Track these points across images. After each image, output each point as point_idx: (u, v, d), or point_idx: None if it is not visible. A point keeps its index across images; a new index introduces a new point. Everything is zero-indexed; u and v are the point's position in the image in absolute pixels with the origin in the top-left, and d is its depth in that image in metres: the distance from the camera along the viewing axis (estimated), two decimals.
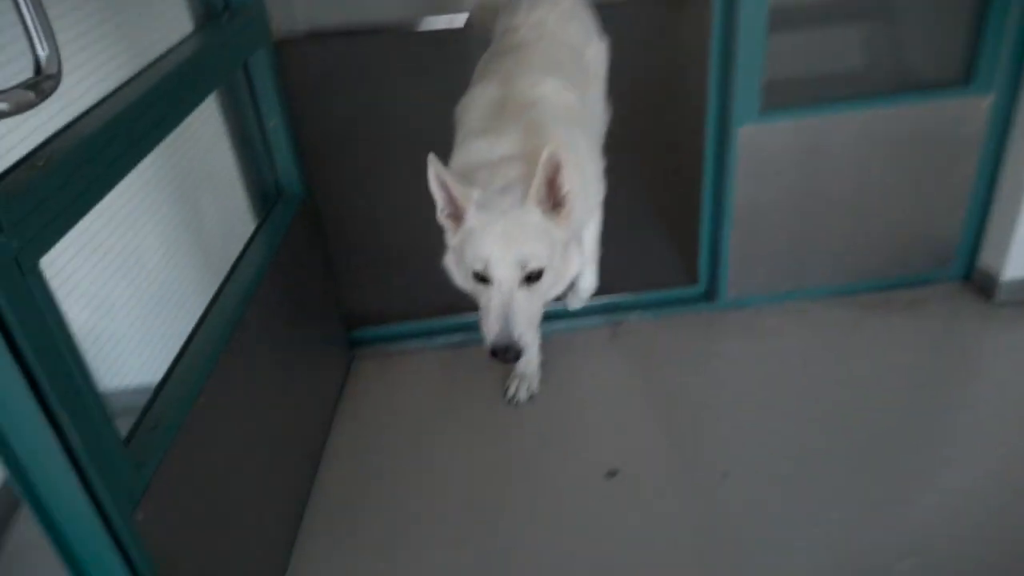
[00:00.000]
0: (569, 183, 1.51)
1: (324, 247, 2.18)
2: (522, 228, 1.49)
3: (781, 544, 1.66)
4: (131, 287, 2.06)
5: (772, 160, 2.17)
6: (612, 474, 1.86)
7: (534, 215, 1.51)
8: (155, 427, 1.21)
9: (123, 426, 2.02)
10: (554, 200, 1.53)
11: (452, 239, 1.60)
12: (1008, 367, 2.12)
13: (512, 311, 1.46)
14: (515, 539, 1.75)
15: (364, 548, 1.77)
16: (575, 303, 2.29)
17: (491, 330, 1.48)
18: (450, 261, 1.67)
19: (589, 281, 2.24)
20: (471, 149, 1.71)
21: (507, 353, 1.46)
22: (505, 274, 1.47)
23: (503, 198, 1.53)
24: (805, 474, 1.82)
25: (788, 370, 2.16)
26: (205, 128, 1.78)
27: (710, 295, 2.45)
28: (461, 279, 1.66)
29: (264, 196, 1.96)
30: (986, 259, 2.36)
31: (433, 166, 1.50)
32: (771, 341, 2.28)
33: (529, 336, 1.50)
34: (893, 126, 2.16)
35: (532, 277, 1.50)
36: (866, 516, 1.70)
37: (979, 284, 2.39)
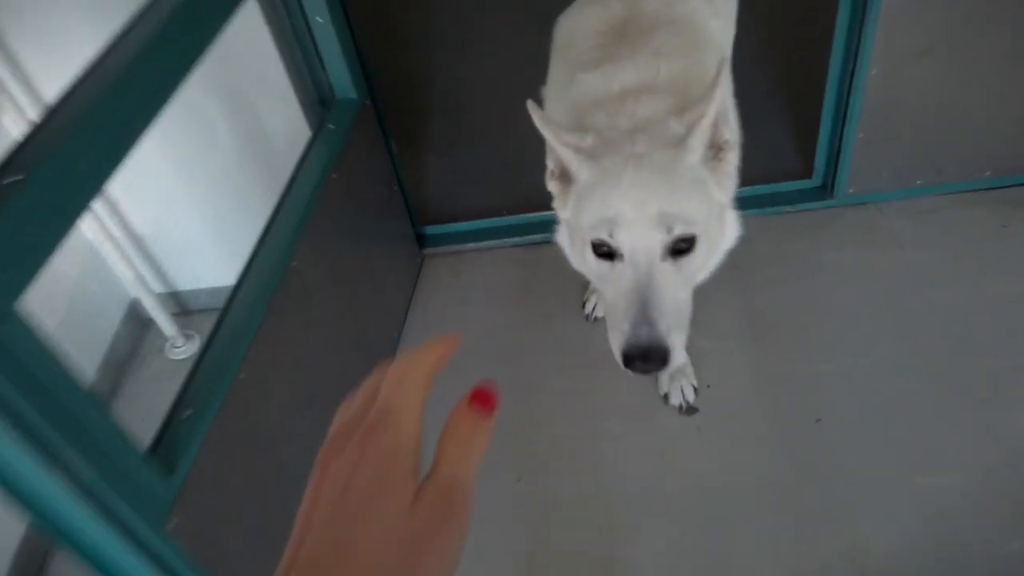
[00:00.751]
0: (730, 126, 1.16)
1: (387, 150, 1.99)
2: (668, 176, 1.06)
3: (873, 508, 1.51)
4: (197, 191, 2.01)
5: (922, 33, 1.74)
6: (691, 411, 1.72)
7: (691, 157, 1.07)
8: (190, 412, 1.16)
9: (204, 324, 2.13)
10: (715, 146, 1.12)
11: (563, 210, 1.21)
12: None
13: (654, 295, 1.03)
14: (586, 467, 1.68)
15: None
16: (679, 393, 1.74)
17: (622, 326, 1.04)
18: (563, 237, 1.30)
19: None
20: (580, 85, 1.28)
21: (648, 359, 1.03)
22: (642, 240, 1.04)
23: (634, 140, 1.10)
24: (915, 427, 1.61)
25: (912, 287, 1.87)
26: (247, 34, 1.57)
27: (826, 189, 2.11)
28: (577, 261, 1.25)
29: (320, 102, 1.77)
30: None
31: (536, 114, 1.12)
32: (892, 250, 1.97)
33: (678, 334, 1.06)
34: None
35: (681, 248, 1.06)
36: (982, 482, 1.51)
37: None
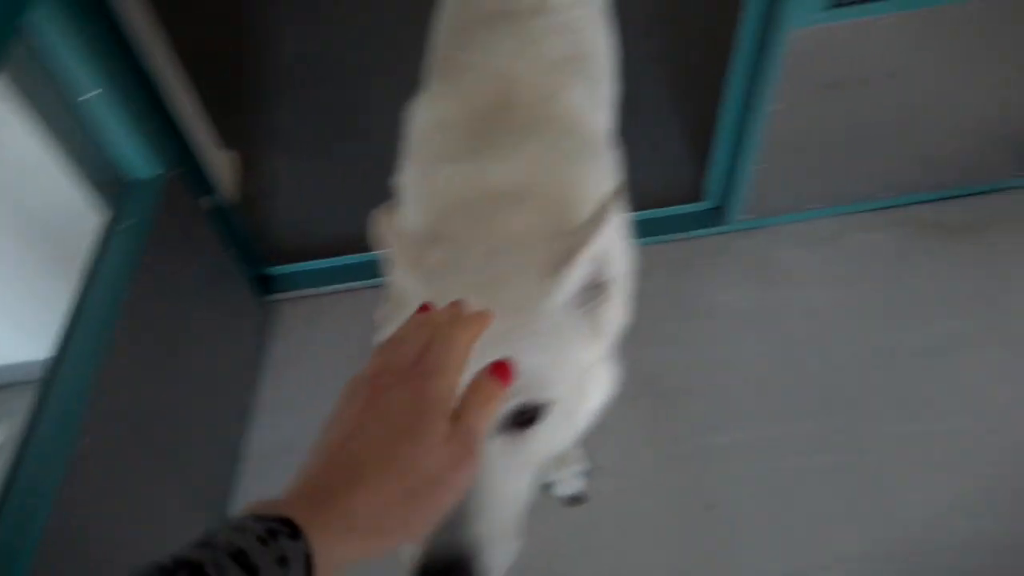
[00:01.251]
0: (619, 263, 0.89)
1: (211, 212, 1.64)
2: (520, 320, 0.78)
3: None
4: None
5: (831, 69, 1.53)
6: (578, 502, 1.57)
7: (557, 297, 0.81)
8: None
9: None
10: (595, 286, 0.85)
11: (382, 310, 0.95)
12: None
13: (475, 486, 0.71)
14: None
15: None
16: (566, 483, 1.56)
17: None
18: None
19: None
20: (441, 178, 1.01)
21: None
22: None
23: (490, 262, 0.85)
24: (810, 512, 1.52)
25: (808, 335, 1.74)
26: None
27: (719, 214, 1.93)
28: None
29: (114, 182, 1.40)
30: None
31: (385, 227, 0.86)
32: (787, 289, 1.82)
33: (502, 546, 0.73)
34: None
35: (526, 418, 0.77)
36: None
37: None
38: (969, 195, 1.92)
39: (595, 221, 0.81)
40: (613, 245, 0.86)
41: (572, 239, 0.82)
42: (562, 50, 1.16)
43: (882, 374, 1.67)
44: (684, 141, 2.10)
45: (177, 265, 1.47)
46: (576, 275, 0.81)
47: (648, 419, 1.67)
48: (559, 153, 1.01)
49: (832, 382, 1.67)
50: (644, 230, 1.91)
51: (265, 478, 1.68)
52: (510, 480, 0.76)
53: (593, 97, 1.17)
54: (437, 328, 0.56)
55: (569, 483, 1.57)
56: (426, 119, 1.14)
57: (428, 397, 0.50)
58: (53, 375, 1.18)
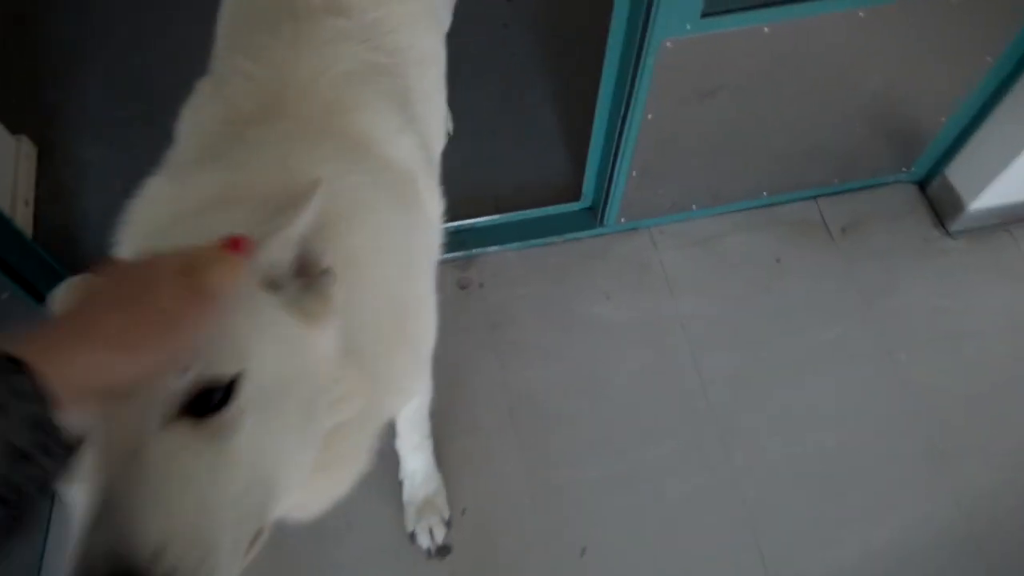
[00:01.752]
0: (339, 256, 0.72)
1: None
2: None
3: None
4: None
5: (706, 79, 1.38)
6: (443, 552, 1.43)
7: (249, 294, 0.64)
8: None
9: None
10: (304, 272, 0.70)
11: None
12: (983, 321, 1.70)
13: (146, 484, 0.52)
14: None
15: None
16: (427, 533, 1.44)
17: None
18: None
19: (421, 468, 1.43)
20: (156, 192, 0.84)
21: None
22: (115, 405, 0.54)
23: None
24: (686, 558, 1.45)
25: (683, 352, 1.65)
26: None
27: (596, 214, 1.78)
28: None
29: None
30: (956, 176, 1.77)
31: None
32: (664, 299, 1.71)
33: (200, 555, 0.52)
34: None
35: (205, 401, 0.57)
36: None
37: (936, 203, 1.84)
38: (848, 191, 1.86)
39: (297, 205, 0.67)
40: (336, 231, 0.75)
41: (272, 224, 0.67)
42: (359, 59, 0.95)
43: (760, 386, 1.61)
44: (563, 140, 1.92)
45: None
46: (277, 255, 0.66)
47: (518, 447, 1.54)
48: (334, 171, 0.81)
49: (710, 398, 1.60)
50: (522, 231, 1.77)
51: None
52: (200, 481, 0.55)
53: (396, 120, 0.96)
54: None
55: (431, 533, 1.43)
56: (186, 122, 0.95)
57: (153, 270, 0.54)
58: None
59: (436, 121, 1.14)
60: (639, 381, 1.62)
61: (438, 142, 1.17)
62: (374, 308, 0.79)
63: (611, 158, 1.59)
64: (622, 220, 1.75)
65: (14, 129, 1.80)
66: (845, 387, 1.62)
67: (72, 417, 0.51)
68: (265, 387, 0.60)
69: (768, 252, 1.79)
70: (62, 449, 0.43)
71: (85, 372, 0.47)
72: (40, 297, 1.50)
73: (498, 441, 1.55)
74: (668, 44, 1.25)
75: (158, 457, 0.53)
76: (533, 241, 1.77)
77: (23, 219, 1.71)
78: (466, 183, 1.81)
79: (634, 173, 1.59)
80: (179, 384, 0.55)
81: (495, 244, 1.76)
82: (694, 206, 1.78)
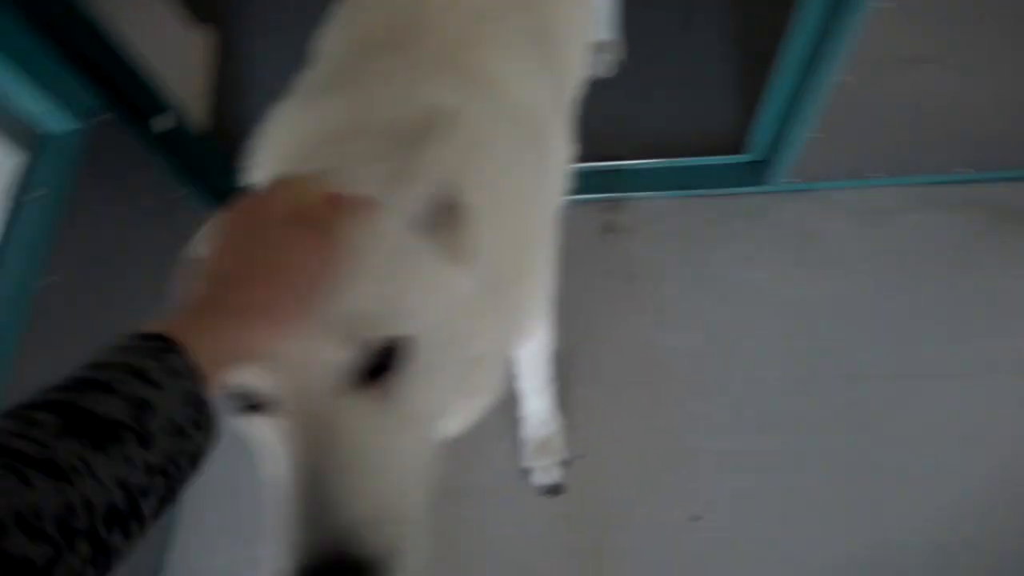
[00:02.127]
0: (481, 196, 0.70)
1: (161, 143, 1.40)
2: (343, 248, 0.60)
3: None
4: None
5: (914, 41, 1.20)
6: (555, 492, 1.46)
7: (390, 218, 0.62)
8: None
9: None
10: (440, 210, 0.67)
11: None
12: None
13: (335, 461, 0.54)
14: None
15: None
16: (543, 471, 1.45)
17: (286, 534, 0.53)
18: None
19: (541, 409, 1.41)
20: (295, 116, 0.84)
21: None
22: (299, 365, 0.56)
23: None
24: (796, 542, 1.40)
25: (843, 336, 1.54)
26: None
27: (762, 170, 1.65)
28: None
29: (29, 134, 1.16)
30: None
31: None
32: (826, 275, 1.59)
33: (399, 529, 0.55)
34: None
35: (380, 366, 0.58)
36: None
37: None
38: None
39: (428, 136, 0.68)
40: (467, 167, 0.72)
41: (404, 158, 0.67)
42: None
43: (914, 391, 1.48)
44: (733, 87, 1.76)
45: (115, 200, 1.27)
46: (405, 193, 0.64)
47: (643, 408, 1.52)
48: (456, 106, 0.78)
49: (850, 395, 1.49)
50: (678, 179, 1.68)
51: None
52: (385, 445, 0.57)
53: (528, 59, 0.91)
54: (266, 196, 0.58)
55: (547, 472, 1.46)
56: (320, 45, 0.95)
57: (277, 222, 0.55)
58: None
59: (574, 62, 1.08)
60: (780, 361, 1.53)
61: (574, 83, 1.10)
62: (500, 244, 0.76)
63: (791, 115, 1.45)
64: (790, 180, 1.62)
65: (199, 19, 1.87)
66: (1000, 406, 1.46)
67: (230, 388, 0.55)
68: (431, 339, 0.61)
69: (953, 236, 1.60)
70: (211, 423, 0.45)
71: (231, 346, 0.49)
72: (217, 194, 1.59)
73: (626, 396, 1.53)
74: (876, 4, 1.08)
75: (345, 431, 0.55)
76: (689, 191, 1.68)
77: (201, 110, 1.79)
78: (623, 120, 1.73)
79: (817, 135, 1.45)
80: (352, 357, 0.56)
81: (647, 190, 1.68)
82: (874, 173, 1.61)
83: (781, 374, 1.51)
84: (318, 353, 0.55)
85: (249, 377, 0.55)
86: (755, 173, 1.66)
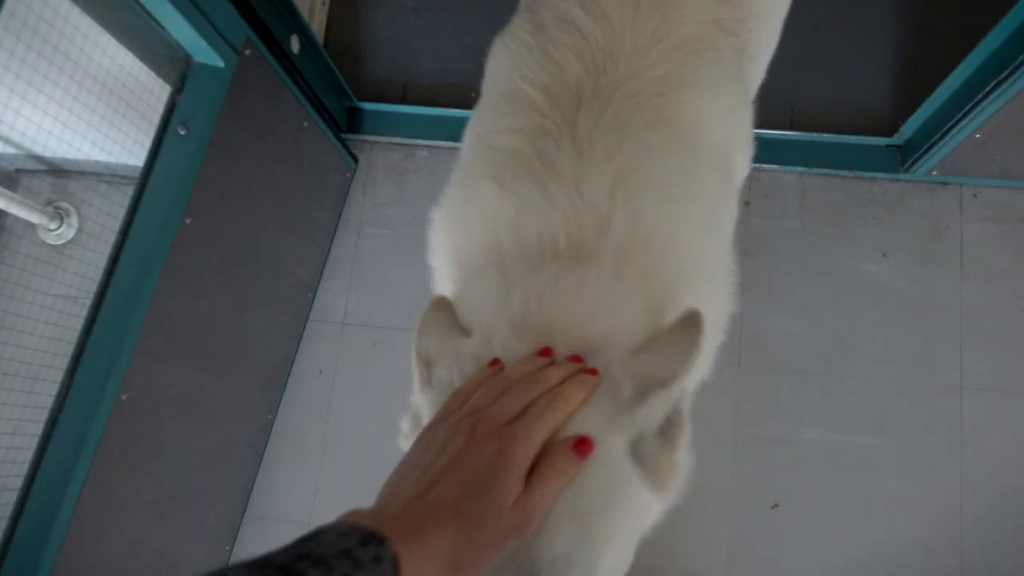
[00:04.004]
0: (693, 379, 0.63)
1: (296, 62, 1.35)
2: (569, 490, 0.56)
3: None
4: None
5: None
6: None
7: (620, 446, 0.58)
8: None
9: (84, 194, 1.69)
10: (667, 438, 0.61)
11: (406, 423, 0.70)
12: None
13: None
14: None
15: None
16: None
17: None
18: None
19: None
20: (474, 206, 0.74)
21: None
22: None
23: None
24: (874, 535, 1.41)
25: (953, 345, 1.49)
26: None
27: (904, 158, 1.55)
28: None
29: (179, 64, 1.12)
30: None
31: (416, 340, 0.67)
32: (948, 278, 1.51)
33: None
34: None
35: None
36: None
37: None
38: None
39: (691, 341, 0.58)
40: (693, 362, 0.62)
41: (652, 365, 0.59)
42: (703, 18, 0.77)
43: (1007, 410, 1.44)
44: (891, 65, 1.61)
45: (252, 131, 1.25)
46: (648, 418, 0.58)
47: (737, 387, 1.52)
48: (655, 179, 0.70)
49: (963, 406, 1.46)
50: (811, 155, 1.60)
51: (326, 341, 1.63)
52: None
53: (731, 95, 0.80)
54: (546, 386, 0.58)
55: None
56: (498, 66, 0.81)
57: (511, 459, 0.53)
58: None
59: (760, 73, 0.97)
60: (891, 361, 1.49)
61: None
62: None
63: (960, 110, 1.33)
64: (934, 172, 1.51)
65: None
66: None
67: None
68: (609, 569, 0.59)
69: None
70: None
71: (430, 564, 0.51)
72: (334, 126, 1.56)
73: (719, 379, 1.52)
74: None
75: None
76: (821, 169, 1.58)
77: (318, 24, 1.73)
78: (763, 85, 1.61)
79: (979, 135, 1.34)
80: None
81: (776, 162, 1.60)
82: None
83: (882, 373, 1.48)
84: None
85: None
86: (897, 160, 1.56)
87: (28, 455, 1.10)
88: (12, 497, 1.08)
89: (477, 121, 0.83)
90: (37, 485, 1.05)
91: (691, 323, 0.60)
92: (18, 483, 1.09)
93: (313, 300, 1.65)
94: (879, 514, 1.43)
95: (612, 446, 0.57)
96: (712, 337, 0.70)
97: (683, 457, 0.62)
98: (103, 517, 1.12)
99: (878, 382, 1.48)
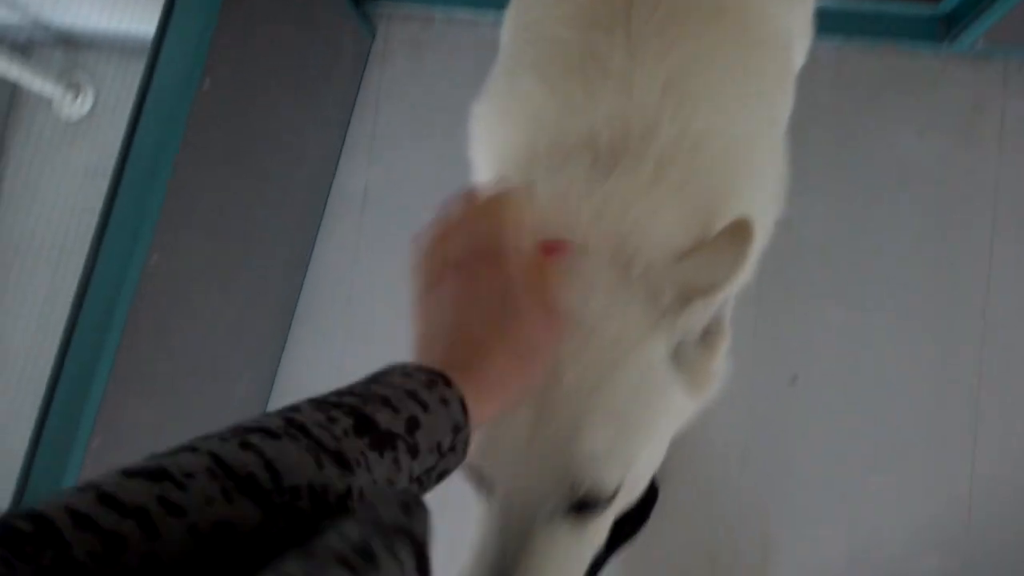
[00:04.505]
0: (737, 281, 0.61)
1: None
2: (602, 380, 0.58)
3: (808, 499, 1.45)
4: None
5: None
6: None
7: (662, 347, 0.60)
8: None
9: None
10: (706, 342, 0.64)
11: None
12: None
13: (518, 562, 0.57)
14: None
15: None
16: None
17: None
18: None
19: None
20: (516, 103, 0.71)
21: None
22: (524, 481, 0.58)
23: (579, 264, 0.60)
24: (890, 422, 1.44)
25: (984, 217, 1.46)
26: None
27: (949, 28, 1.46)
28: None
29: None
30: None
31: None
32: (991, 155, 1.47)
33: None
34: None
35: (588, 503, 0.59)
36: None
37: None
38: None
39: (737, 251, 0.58)
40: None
41: (693, 270, 0.60)
42: None
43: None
44: None
45: (262, 29, 1.21)
46: (692, 322, 0.60)
47: (763, 268, 1.50)
48: (721, 84, 0.67)
49: (989, 296, 1.44)
50: (847, 24, 1.53)
51: (346, 221, 1.63)
52: (565, 567, 0.61)
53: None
54: (482, 214, 0.57)
55: None
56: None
57: (512, 278, 0.54)
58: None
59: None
60: (917, 241, 1.47)
61: None
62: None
63: None
64: (978, 43, 1.44)
65: None
66: None
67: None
68: (638, 475, 0.62)
69: None
70: (462, 450, 0.49)
71: (484, 415, 0.52)
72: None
73: None
74: None
75: (541, 551, 0.58)
76: (858, 38, 1.51)
77: None
78: None
79: None
80: (573, 495, 0.58)
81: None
82: None
83: (909, 253, 1.47)
84: (540, 480, 0.57)
85: (475, 454, 0.56)
86: (941, 31, 1.48)
87: (59, 328, 1.11)
88: (46, 371, 1.11)
89: (520, 8, 0.78)
90: (71, 353, 1.07)
91: (739, 232, 0.59)
92: (52, 353, 1.12)
93: (333, 178, 1.63)
94: (895, 393, 1.45)
95: (654, 349, 0.59)
96: (758, 245, 0.68)
97: (722, 363, 0.65)
98: (135, 388, 1.15)
99: (904, 262, 1.46)
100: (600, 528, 0.63)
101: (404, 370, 0.49)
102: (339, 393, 0.46)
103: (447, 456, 0.48)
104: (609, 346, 0.58)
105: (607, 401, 0.57)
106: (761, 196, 0.73)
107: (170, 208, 1.10)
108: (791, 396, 1.47)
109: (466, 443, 0.49)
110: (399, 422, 0.45)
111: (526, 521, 0.58)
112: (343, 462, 0.41)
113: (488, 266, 0.54)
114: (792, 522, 1.43)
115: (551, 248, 0.58)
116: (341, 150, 1.64)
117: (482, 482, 0.60)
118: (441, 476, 0.49)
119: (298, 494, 0.38)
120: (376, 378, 0.48)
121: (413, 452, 0.45)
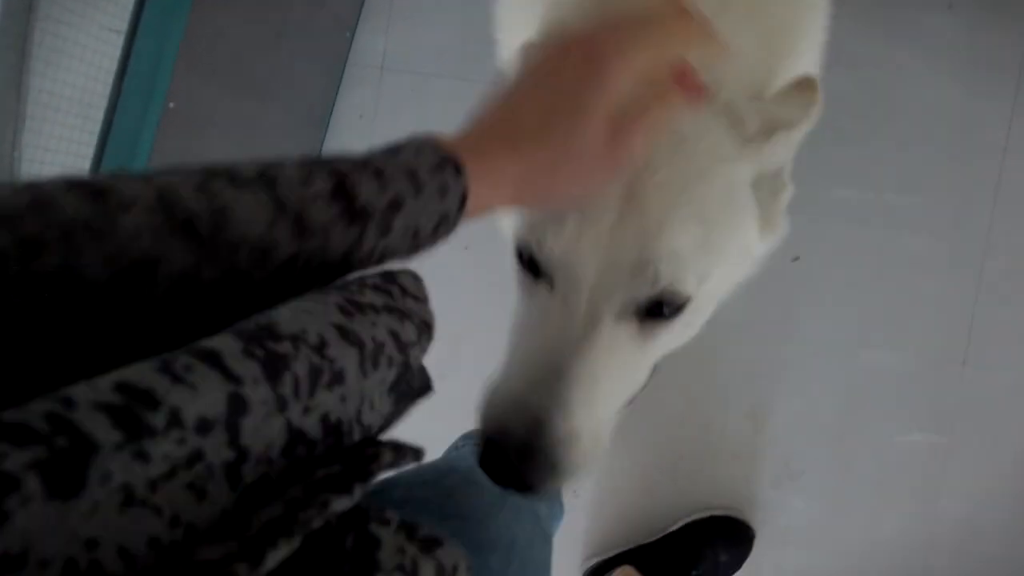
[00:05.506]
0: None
1: None
2: (696, 181, 0.58)
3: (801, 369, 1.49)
4: None
5: None
6: None
7: (747, 171, 0.62)
8: None
9: None
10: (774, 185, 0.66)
11: None
12: None
13: (581, 370, 0.57)
14: None
15: None
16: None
17: (501, 398, 0.59)
18: None
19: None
20: None
21: (513, 479, 0.57)
22: (592, 276, 0.57)
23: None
24: (888, 302, 1.46)
25: (1004, 101, 1.42)
26: None
27: None
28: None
29: None
30: None
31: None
32: (1018, 26, 1.41)
33: (587, 444, 0.58)
34: None
35: (656, 308, 0.59)
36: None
37: None
38: None
39: (811, 98, 0.60)
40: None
41: (781, 110, 0.61)
42: None
43: None
44: None
45: None
46: (776, 151, 0.62)
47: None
48: None
49: (1003, 176, 1.42)
50: None
51: (365, 86, 1.64)
52: (620, 376, 0.61)
53: None
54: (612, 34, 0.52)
55: None
56: None
57: (603, 79, 0.49)
58: None
59: None
60: (936, 117, 1.44)
61: None
62: None
63: None
64: None
65: None
66: None
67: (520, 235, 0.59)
68: (703, 301, 0.63)
69: None
70: (436, 243, 0.48)
71: (494, 203, 0.50)
72: None
73: None
74: None
75: (603, 348, 0.57)
76: None
77: None
78: None
79: None
80: (649, 291, 0.57)
81: None
82: None
83: (925, 131, 1.44)
84: (617, 272, 0.56)
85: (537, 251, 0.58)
86: None
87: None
88: None
89: None
90: None
91: (807, 85, 0.61)
92: None
93: (352, 41, 1.63)
94: (899, 274, 1.46)
95: (740, 171, 0.61)
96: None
97: (784, 217, 0.68)
98: None
99: (919, 141, 1.45)
100: (659, 346, 0.63)
101: (419, 147, 0.46)
102: (340, 156, 0.43)
103: (423, 242, 0.46)
104: (702, 154, 0.58)
105: (696, 201, 0.58)
106: (811, 57, 0.74)
107: (187, 50, 1.12)
108: (792, 272, 1.49)
109: (448, 233, 0.47)
110: (381, 198, 0.42)
111: (592, 314, 0.57)
112: (300, 226, 0.39)
113: (592, 60, 0.50)
114: (786, 390, 1.49)
115: (687, 80, 0.54)
116: (360, 12, 1.63)
117: (538, 271, 0.60)
118: (408, 254, 0.46)
119: (235, 249, 0.36)
120: (391, 148, 0.46)
121: (384, 231, 0.42)
